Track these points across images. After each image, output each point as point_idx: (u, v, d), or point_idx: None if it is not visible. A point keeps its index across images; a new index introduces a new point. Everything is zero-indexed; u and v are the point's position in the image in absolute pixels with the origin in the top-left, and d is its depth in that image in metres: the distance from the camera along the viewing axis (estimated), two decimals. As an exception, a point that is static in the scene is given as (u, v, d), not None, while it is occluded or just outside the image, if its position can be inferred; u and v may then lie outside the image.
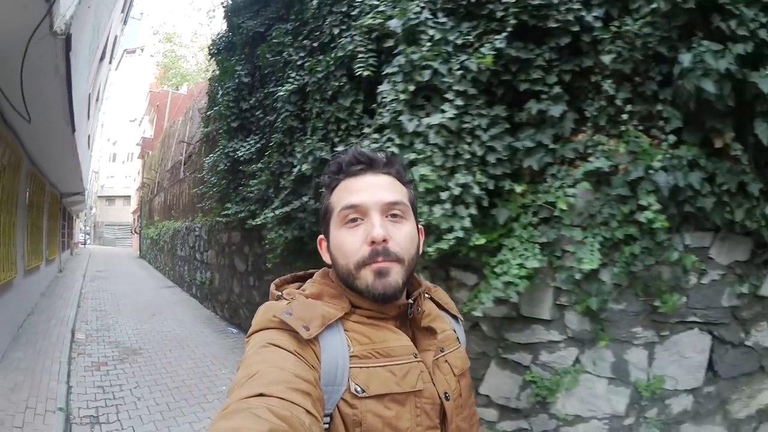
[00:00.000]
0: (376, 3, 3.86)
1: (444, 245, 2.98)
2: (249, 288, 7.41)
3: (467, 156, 3.05)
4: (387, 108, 3.31)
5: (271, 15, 6.21)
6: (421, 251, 1.00)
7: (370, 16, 3.80)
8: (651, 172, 2.72)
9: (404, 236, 0.92)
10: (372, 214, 0.90)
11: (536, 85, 3.12)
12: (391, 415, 0.83)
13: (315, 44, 4.85)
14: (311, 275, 1.05)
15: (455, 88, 3.04)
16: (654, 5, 2.71)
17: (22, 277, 7.01)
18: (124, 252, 30.40)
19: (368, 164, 0.96)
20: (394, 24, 3.38)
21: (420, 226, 1.02)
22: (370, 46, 3.87)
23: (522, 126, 3.22)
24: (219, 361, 6.05)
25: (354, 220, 0.91)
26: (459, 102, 3.03)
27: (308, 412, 0.68)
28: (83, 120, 7.16)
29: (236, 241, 7.82)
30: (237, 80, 6.52)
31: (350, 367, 0.85)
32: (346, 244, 0.91)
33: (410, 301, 0.97)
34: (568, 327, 3.11)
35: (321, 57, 4.46)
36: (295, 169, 4.53)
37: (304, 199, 4.55)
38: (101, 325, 7.91)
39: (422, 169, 2.96)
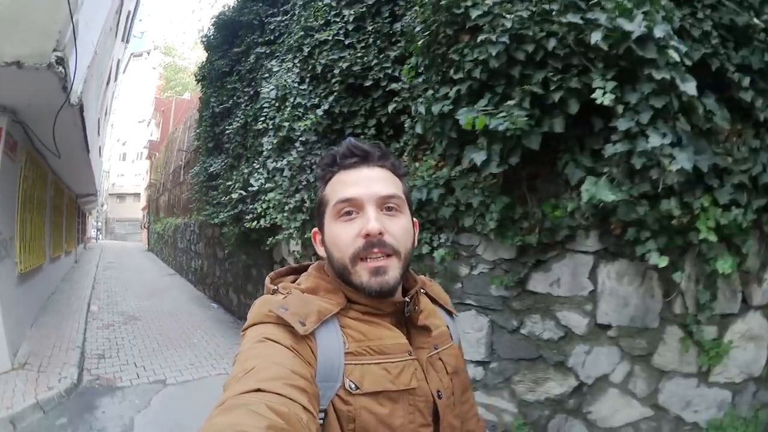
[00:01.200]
0: (276, 69, 5.71)
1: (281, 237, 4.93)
2: (225, 271, 9.34)
3: (305, 183, 4.86)
4: (265, 153, 5.24)
5: (233, 58, 8.06)
6: (416, 244, 1.00)
7: (269, 84, 5.65)
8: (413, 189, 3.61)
9: (399, 229, 0.92)
10: (367, 208, 0.89)
11: (357, 129, 4.68)
12: (385, 413, 0.84)
13: (252, 92, 6.75)
14: (306, 267, 1.04)
15: (301, 138, 4.82)
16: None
17: (48, 263, 8.97)
18: (134, 246, 32.29)
19: (363, 157, 0.95)
20: (273, 94, 5.25)
21: (415, 220, 1.02)
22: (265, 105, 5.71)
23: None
24: (197, 325, 8.00)
25: (349, 213, 0.91)
26: (301, 148, 4.79)
27: (305, 408, 0.68)
28: (95, 140, 9.11)
29: (216, 235, 9.68)
30: (211, 110, 8.41)
31: (345, 364, 0.84)
32: (341, 237, 0.90)
33: (407, 299, 0.96)
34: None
35: (251, 105, 6.39)
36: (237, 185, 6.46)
37: (247, 206, 6.47)
38: (111, 302, 9.90)
39: (271, 194, 4.88)
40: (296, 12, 5.73)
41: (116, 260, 19.67)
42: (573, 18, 2.57)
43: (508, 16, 2.76)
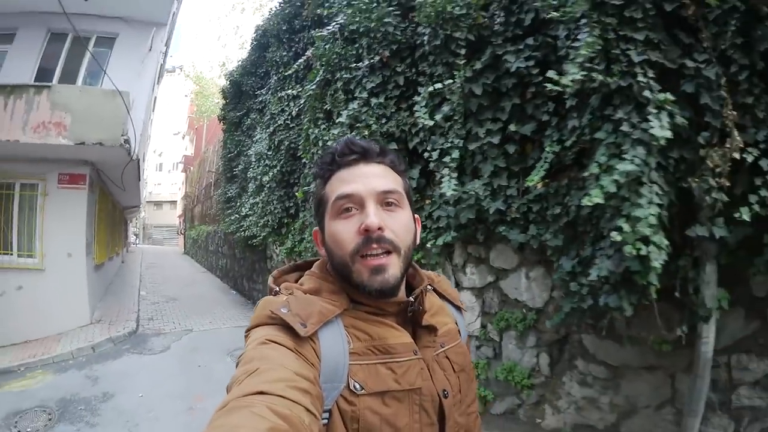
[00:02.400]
0: (257, 138, 8.69)
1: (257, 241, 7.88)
2: (240, 266, 12.42)
3: (269, 211, 7.78)
4: (249, 192, 8.28)
5: (240, 111, 11.08)
6: (418, 240, 0.99)
7: (253, 146, 8.65)
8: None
9: (399, 225, 0.91)
10: (367, 203, 0.89)
11: (296, 182, 7.81)
12: (390, 413, 0.84)
13: (250, 145, 9.73)
14: (310, 264, 1.04)
15: (267, 185, 7.81)
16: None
17: (107, 261, 12.23)
18: (171, 250, 35.64)
19: (362, 154, 0.94)
20: (253, 157, 8.27)
21: (416, 216, 1.01)
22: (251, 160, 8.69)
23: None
24: (218, 303, 11.18)
25: (348, 209, 0.90)
26: (267, 191, 7.81)
27: (308, 410, 0.68)
28: (143, 168, 12.37)
29: (234, 240, 12.87)
30: (228, 152, 11.52)
31: (349, 364, 0.84)
32: (340, 234, 0.90)
33: (411, 299, 0.95)
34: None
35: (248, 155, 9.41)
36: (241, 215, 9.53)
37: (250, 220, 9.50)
38: (155, 289, 13.13)
39: (252, 218, 7.89)
40: (269, 96, 8.65)
41: (157, 261, 23.05)
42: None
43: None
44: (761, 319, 3.01)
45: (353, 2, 4.92)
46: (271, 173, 7.62)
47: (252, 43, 9.91)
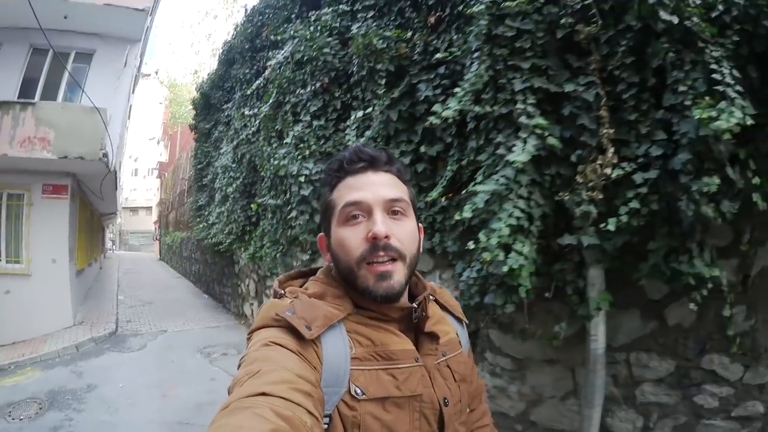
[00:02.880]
0: (223, 150, 9.36)
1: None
2: (212, 271, 12.98)
3: (233, 220, 8.44)
4: (216, 201, 8.99)
5: (209, 124, 11.47)
6: (421, 249, 1.01)
7: (220, 159, 9.34)
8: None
9: (406, 233, 0.93)
10: (374, 211, 0.91)
11: (256, 192, 8.51)
12: (390, 419, 0.85)
13: (216, 157, 10.33)
14: (315, 271, 1.06)
15: (232, 195, 8.49)
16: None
17: (87, 267, 12.74)
18: (148, 256, 35.95)
19: (370, 162, 0.96)
20: (219, 169, 8.97)
21: (420, 225, 1.02)
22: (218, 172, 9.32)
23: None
24: (191, 306, 11.76)
25: (355, 216, 0.92)
26: (231, 201, 8.51)
27: (310, 412, 0.69)
28: (120, 179, 12.90)
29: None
30: (198, 161, 12.10)
31: (351, 369, 0.85)
32: (347, 240, 0.91)
33: (414, 305, 0.96)
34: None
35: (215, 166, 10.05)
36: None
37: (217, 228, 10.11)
38: (132, 293, 13.64)
39: (217, 226, 8.59)
40: (234, 111, 9.23)
41: (133, 267, 23.44)
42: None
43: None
44: (659, 320, 3.16)
45: (299, 32, 5.59)
46: (234, 184, 8.24)
47: (219, 58, 10.47)
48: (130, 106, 12.30)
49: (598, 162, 2.76)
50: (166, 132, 33.11)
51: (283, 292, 0.97)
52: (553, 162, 2.98)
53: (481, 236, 2.82)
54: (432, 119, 3.21)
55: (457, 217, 3.04)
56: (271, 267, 6.86)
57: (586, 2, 2.87)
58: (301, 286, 1.01)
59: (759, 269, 2.87)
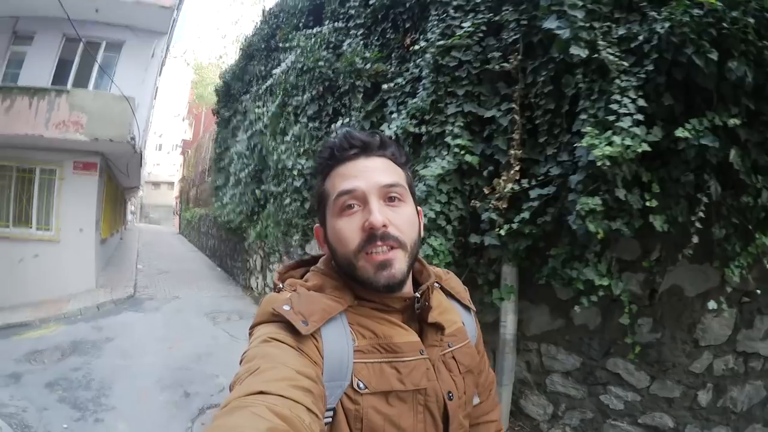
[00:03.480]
0: (238, 138, 10.31)
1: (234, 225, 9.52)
2: (225, 247, 14.01)
3: (245, 201, 9.41)
4: (230, 184, 9.96)
5: (229, 110, 12.55)
6: (422, 233, 0.99)
7: (234, 146, 10.30)
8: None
9: (404, 220, 0.90)
10: (370, 199, 0.88)
11: (267, 177, 9.43)
12: (393, 413, 0.84)
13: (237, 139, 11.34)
14: (316, 260, 1.04)
15: (244, 180, 9.46)
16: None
17: (109, 237, 13.86)
18: (167, 230, 36.90)
19: (362, 147, 0.93)
20: (234, 156, 9.91)
21: (419, 208, 1.00)
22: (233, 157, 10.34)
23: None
24: (204, 277, 12.80)
25: (350, 206, 0.89)
26: (242, 185, 9.47)
27: (309, 410, 0.68)
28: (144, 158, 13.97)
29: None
30: (218, 145, 13.09)
31: (354, 362, 0.84)
32: (343, 231, 0.89)
33: (417, 295, 0.94)
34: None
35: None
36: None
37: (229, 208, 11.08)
38: (150, 264, 14.71)
39: (230, 206, 9.56)
40: (250, 103, 10.13)
41: (153, 239, 24.63)
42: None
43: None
44: (566, 318, 3.42)
45: (302, 43, 6.47)
46: (246, 170, 9.19)
47: (240, 51, 11.37)
48: (156, 89, 13.24)
49: (503, 177, 3.41)
50: (191, 111, 33.85)
51: (282, 285, 0.95)
52: (473, 174, 3.71)
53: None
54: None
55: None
56: (274, 245, 7.83)
57: (515, 36, 3.47)
58: (301, 277, 1.00)
59: (668, 286, 3.09)
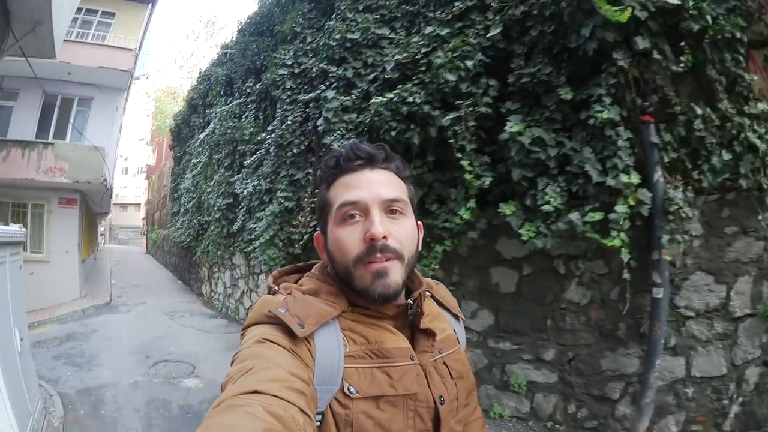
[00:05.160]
0: (194, 161, 13.06)
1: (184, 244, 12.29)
2: (183, 262, 16.58)
3: (194, 224, 12.21)
4: (182, 208, 12.74)
5: (179, 151, 15.25)
6: (420, 247, 1.00)
7: (188, 176, 13.04)
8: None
9: (404, 233, 0.92)
10: (372, 211, 0.89)
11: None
12: (384, 417, 0.84)
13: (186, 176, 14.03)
14: (311, 267, 1.05)
15: (184, 206, 12.19)
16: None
17: (88, 257, 16.35)
18: (136, 249, 38.77)
19: (367, 159, 0.94)
20: (188, 184, 12.67)
21: (419, 222, 1.01)
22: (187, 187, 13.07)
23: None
24: (166, 289, 15.43)
25: (352, 216, 0.90)
26: (197, 210, 12.20)
27: (303, 411, 0.69)
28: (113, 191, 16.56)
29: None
30: (174, 178, 15.75)
31: (345, 367, 0.85)
32: (344, 241, 0.90)
33: (409, 302, 0.95)
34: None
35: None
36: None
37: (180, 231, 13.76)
38: (122, 278, 17.22)
39: (181, 229, 12.32)
40: (193, 149, 12.83)
41: (123, 259, 26.85)
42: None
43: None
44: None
45: (218, 113, 9.33)
46: (191, 202, 11.96)
47: (185, 103, 14.15)
48: (121, 124, 15.59)
49: (300, 216, 6.32)
50: (154, 138, 35.89)
51: (276, 288, 0.97)
52: (290, 213, 6.57)
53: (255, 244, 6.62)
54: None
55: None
56: (213, 259, 10.60)
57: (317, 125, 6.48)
58: (295, 282, 1.01)
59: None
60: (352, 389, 0.84)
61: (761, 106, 3.66)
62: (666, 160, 3.60)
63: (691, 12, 3.40)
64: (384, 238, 0.87)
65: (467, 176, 3.97)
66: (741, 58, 3.64)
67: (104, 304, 12.07)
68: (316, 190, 1.07)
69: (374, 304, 0.92)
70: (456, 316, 1.15)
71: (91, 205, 15.98)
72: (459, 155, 4.07)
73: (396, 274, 0.89)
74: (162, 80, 33.12)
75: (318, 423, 0.80)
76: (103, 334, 9.13)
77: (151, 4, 13.87)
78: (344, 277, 0.92)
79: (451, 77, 4.13)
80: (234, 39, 10.25)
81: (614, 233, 3.38)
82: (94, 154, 11.67)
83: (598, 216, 3.41)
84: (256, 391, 0.67)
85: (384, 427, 0.84)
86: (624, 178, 3.40)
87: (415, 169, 4.42)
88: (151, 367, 6.98)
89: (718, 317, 3.68)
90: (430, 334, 0.96)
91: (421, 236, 1.03)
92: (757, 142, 3.51)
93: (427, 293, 1.06)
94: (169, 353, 7.72)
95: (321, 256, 1.02)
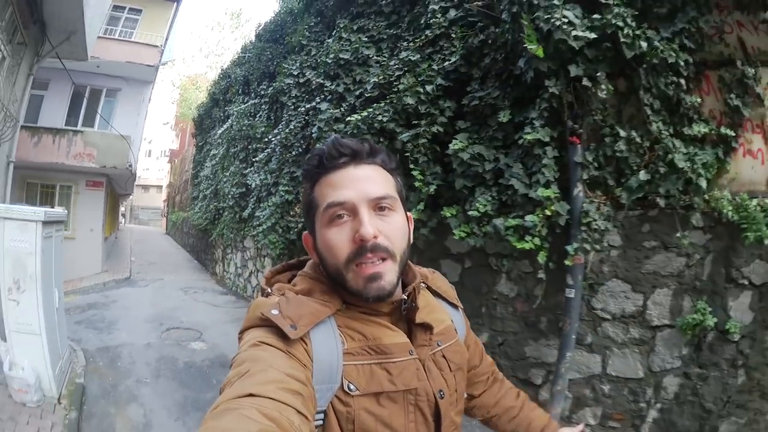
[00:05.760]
0: (213, 152, 14.05)
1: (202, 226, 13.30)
2: (200, 244, 17.65)
3: (213, 210, 13.20)
4: (201, 193, 13.75)
5: (201, 141, 16.29)
6: (411, 240, 0.99)
7: (209, 162, 14.07)
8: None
9: (394, 230, 0.90)
10: (360, 210, 0.87)
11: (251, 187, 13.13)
12: (385, 413, 0.85)
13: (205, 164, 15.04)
14: (303, 264, 1.05)
15: (204, 193, 13.17)
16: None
17: (110, 236, 17.51)
18: (155, 230, 40.22)
19: (351, 156, 0.92)
20: (208, 171, 13.67)
21: (409, 214, 1.00)
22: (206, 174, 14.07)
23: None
24: (183, 267, 16.63)
25: (340, 216, 0.89)
26: (215, 197, 13.20)
27: (298, 412, 0.69)
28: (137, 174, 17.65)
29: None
30: (195, 165, 16.80)
31: (344, 365, 0.85)
32: (333, 242, 0.89)
33: (404, 297, 0.95)
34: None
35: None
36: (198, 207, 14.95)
37: (198, 215, 14.80)
38: (141, 257, 18.38)
39: (199, 213, 13.33)
40: (213, 140, 13.82)
41: (143, 238, 28.18)
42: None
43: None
44: None
45: (235, 110, 10.26)
46: (210, 189, 12.98)
47: (209, 94, 15.13)
48: (146, 111, 16.60)
49: (297, 208, 7.29)
50: (178, 124, 36.91)
51: (270, 290, 0.96)
52: (291, 205, 7.49)
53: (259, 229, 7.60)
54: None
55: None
56: (226, 241, 11.62)
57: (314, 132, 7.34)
58: (288, 281, 1.00)
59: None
60: (351, 386, 0.84)
61: (696, 128, 3.77)
62: (585, 177, 3.90)
63: (623, 41, 3.59)
64: (374, 237, 0.86)
65: (417, 183, 4.71)
66: (682, 81, 3.75)
67: (124, 279, 13.17)
68: (304, 189, 1.02)
69: (368, 304, 0.91)
70: (454, 306, 1.15)
71: (115, 187, 17.15)
72: (412, 166, 4.80)
73: (390, 274, 0.88)
74: (187, 68, 34.07)
75: (321, 421, 0.82)
76: (122, 304, 10.15)
77: (176, 3, 14.81)
78: (336, 278, 0.91)
79: (411, 101, 4.89)
80: (252, 42, 11.08)
81: (528, 238, 3.91)
82: (120, 141, 12.71)
83: (515, 222, 4.01)
84: (251, 394, 0.67)
85: (385, 423, 0.84)
86: (543, 191, 3.83)
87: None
88: (163, 332, 7.99)
89: (635, 323, 3.92)
90: (427, 327, 0.97)
91: (412, 228, 1.01)
92: (681, 163, 3.63)
93: (423, 284, 1.07)
94: (181, 322, 8.73)
95: (311, 257, 1.00)
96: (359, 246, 0.86)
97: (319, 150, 0.94)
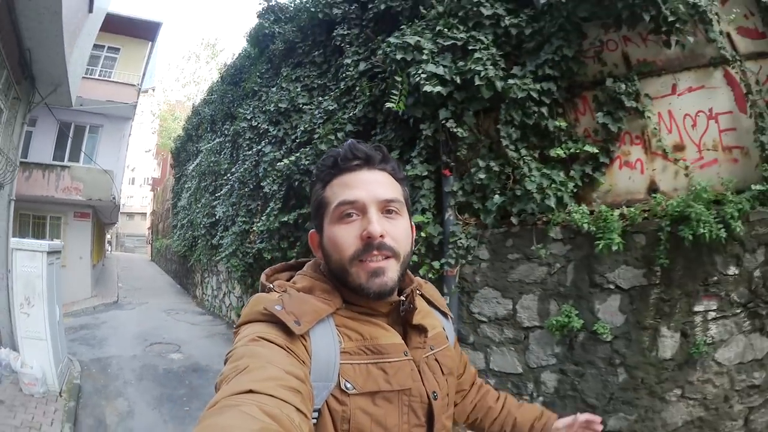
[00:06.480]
0: (188, 185, 15.26)
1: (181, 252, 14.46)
2: (182, 269, 18.63)
3: (189, 235, 14.42)
4: (179, 222, 14.93)
5: (178, 173, 17.46)
6: (413, 247, 1.02)
7: (185, 194, 15.29)
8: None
9: (400, 232, 0.93)
10: (369, 210, 0.90)
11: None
12: (380, 413, 0.86)
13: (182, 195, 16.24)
14: (302, 264, 1.06)
15: (184, 220, 14.39)
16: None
17: (98, 263, 18.55)
18: (141, 257, 40.63)
19: (365, 160, 0.95)
20: (184, 202, 14.89)
21: (413, 224, 1.03)
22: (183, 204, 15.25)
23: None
24: (166, 292, 17.67)
25: (350, 215, 0.91)
26: (190, 224, 14.39)
27: (298, 410, 0.68)
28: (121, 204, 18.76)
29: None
30: (173, 196, 17.93)
31: (341, 363, 0.85)
32: (341, 238, 0.90)
33: (402, 298, 0.97)
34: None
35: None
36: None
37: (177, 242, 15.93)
38: (128, 283, 19.39)
39: (178, 240, 14.52)
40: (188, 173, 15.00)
41: (129, 266, 29.04)
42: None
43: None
44: None
45: (203, 148, 11.47)
46: (186, 218, 14.13)
47: (183, 129, 16.30)
48: (127, 144, 17.73)
49: (251, 236, 8.44)
50: (159, 153, 37.51)
51: (270, 286, 0.96)
52: (248, 232, 8.77)
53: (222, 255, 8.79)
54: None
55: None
56: (203, 266, 12.77)
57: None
58: (288, 280, 1.01)
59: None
60: (348, 385, 0.84)
61: (555, 151, 4.05)
62: (454, 203, 4.43)
63: (478, 83, 3.98)
64: (381, 236, 0.88)
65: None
66: (544, 110, 4.04)
67: (112, 302, 14.23)
68: (314, 189, 1.02)
69: (368, 300, 0.93)
70: (444, 314, 1.17)
71: (101, 216, 18.19)
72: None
73: (392, 272, 0.90)
74: (166, 96, 35.09)
75: (315, 420, 0.81)
76: (111, 324, 11.22)
77: (151, 43, 16.09)
78: (339, 275, 0.93)
79: (324, 147, 5.65)
80: (218, 82, 12.26)
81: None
82: (104, 176, 13.88)
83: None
84: (251, 391, 0.66)
85: (380, 423, 0.85)
86: (417, 217, 4.33)
87: (305, 208, 6.09)
88: (147, 346, 9.10)
89: (508, 325, 4.23)
90: (422, 330, 0.99)
91: (414, 237, 1.03)
92: (530, 185, 3.94)
93: (417, 291, 1.08)
94: (162, 338, 9.83)
95: (315, 254, 1.02)
96: (366, 243, 0.89)
97: (334, 152, 0.98)
